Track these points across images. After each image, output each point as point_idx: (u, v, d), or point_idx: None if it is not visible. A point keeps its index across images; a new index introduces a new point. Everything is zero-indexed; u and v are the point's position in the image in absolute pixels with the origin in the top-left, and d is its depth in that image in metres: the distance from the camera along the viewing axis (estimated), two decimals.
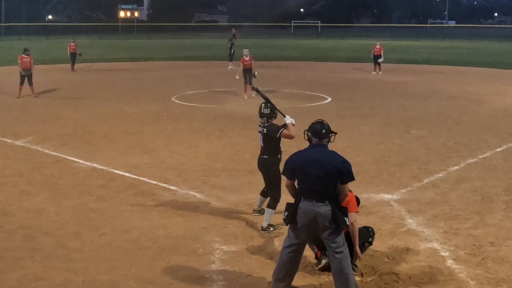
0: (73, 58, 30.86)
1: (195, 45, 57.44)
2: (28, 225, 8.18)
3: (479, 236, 7.82)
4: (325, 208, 5.80)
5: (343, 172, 5.81)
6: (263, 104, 7.99)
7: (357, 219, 6.39)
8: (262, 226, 8.04)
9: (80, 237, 7.72)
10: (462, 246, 7.45)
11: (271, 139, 7.92)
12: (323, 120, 6.13)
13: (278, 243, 7.52)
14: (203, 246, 7.45)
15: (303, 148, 6.18)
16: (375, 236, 7.00)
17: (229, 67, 31.57)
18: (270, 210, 7.97)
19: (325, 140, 6.05)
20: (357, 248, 6.37)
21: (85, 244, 7.51)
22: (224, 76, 28.92)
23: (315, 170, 5.81)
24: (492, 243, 7.57)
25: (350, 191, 6.24)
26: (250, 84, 19.47)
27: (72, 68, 30.88)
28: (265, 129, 7.94)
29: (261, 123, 8.04)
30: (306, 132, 6.15)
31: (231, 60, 32.16)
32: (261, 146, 8.08)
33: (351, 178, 5.87)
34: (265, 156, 8.05)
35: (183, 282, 6.48)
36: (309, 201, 5.85)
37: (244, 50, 21.97)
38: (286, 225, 6.10)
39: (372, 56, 30.94)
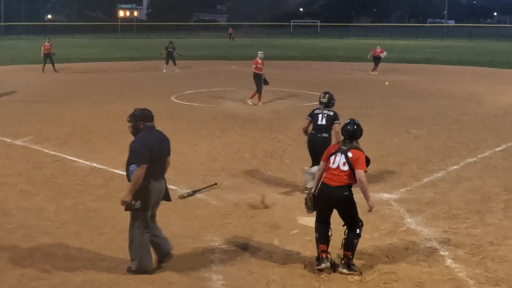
0: (47, 58, 29.75)
1: (194, 45, 57.44)
2: (27, 225, 8.17)
3: (478, 236, 7.82)
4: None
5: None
6: (322, 94, 9.82)
7: (364, 176, 6.58)
8: (306, 187, 9.20)
9: (79, 237, 7.72)
10: (461, 246, 7.45)
11: (331, 122, 9.49)
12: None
13: (278, 243, 7.52)
14: (202, 245, 7.45)
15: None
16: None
17: (164, 71, 30.29)
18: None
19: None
20: (370, 202, 6.66)
21: (85, 243, 7.50)
22: (224, 76, 28.94)
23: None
24: (492, 243, 7.57)
25: (362, 150, 6.75)
26: (260, 92, 19.05)
27: (43, 70, 29.72)
28: (331, 112, 9.60)
29: (319, 108, 9.67)
30: None
31: (167, 63, 30.74)
32: (321, 125, 9.57)
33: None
34: (324, 135, 9.55)
35: (182, 281, 6.47)
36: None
37: (259, 52, 19.50)
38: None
39: (371, 57, 30.86)
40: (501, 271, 6.72)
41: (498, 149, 13.04)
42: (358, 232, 6.66)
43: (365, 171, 6.64)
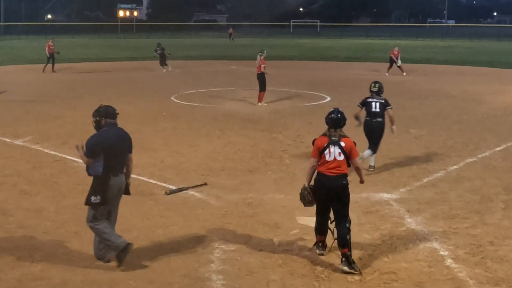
0: (52, 58, 29.76)
1: (194, 45, 57.46)
2: (27, 225, 8.17)
3: (478, 236, 7.82)
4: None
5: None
6: (372, 84, 11.08)
7: (360, 162, 7.19)
8: (370, 165, 10.91)
9: (79, 237, 7.72)
10: (461, 246, 7.45)
11: (384, 108, 10.76)
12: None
13: (278, 243, 7.52)
14: (202, 245, 7.45)
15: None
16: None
17: (164, 71, 30.45)
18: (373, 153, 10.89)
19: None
20: (362, 178, 7.27)
21: (85, 243, 7.49)
22: (224, 76, 28.94)
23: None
24: (491, 243, 7.57)
25: (348, 137, 6.99)
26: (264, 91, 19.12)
27: (44, 70, 29.63)
28: (382, 99, 10.83)
29: (372, 96, 10.93)
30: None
31: (162, 64, 30.82)
32: (375, 112, 10.82)
33: None
34: (379, 119, 10.87)
35: (182, 281, 6.47)
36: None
37: (265, 51, 19.43)
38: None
39: (393, 59, 29.73)
40: (501, 271, 6.72)
41: (498, 149, 13.04)
42: (348, 226, 6.78)
43: (358, 154, 7.10)
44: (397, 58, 29.42)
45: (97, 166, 6.66)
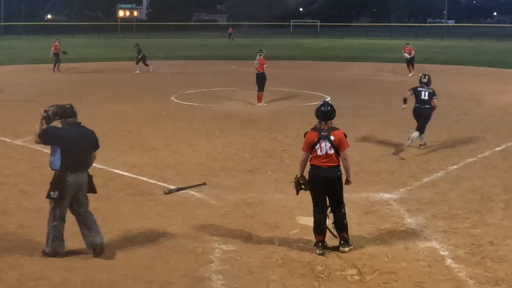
0: (57, 58, 29.82)
1: (194, 44, 57.46)
2: (27, 225, 8.18)
3: (478, 235, 7.82)
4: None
5: None
6: (422, 75, 12.75)
7: (348, 155, 7.22)
8: (420, 143, 12.75)
9: (79, 237, 7.69)
10: (461, 245, 7.45)
11: (431, 97, 12.42)
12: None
13: (278, 243, 7.52)
14: (202, 245, 7.45)
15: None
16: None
17: (136, 71, 29.66)
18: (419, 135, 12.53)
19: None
20: (350, 178, 7.36)
21: (85, 243, 7.49)
22: (224, 76, 28.94)
23: None
24: (491, 242, 7.57)
25: (338, 128, 7.16)
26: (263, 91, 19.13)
27: (54, 69, 29.78)
28: (430, 89, 12.48)
29: (421, 86, 12.52)
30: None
31: (137, 63, 30.08)
32: (424, 100, 12.43)
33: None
34: (427, 106, 12.49)
35: (182, 281, 6.47)
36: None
37: (260, 52, 19.26)
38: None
39: (407, 58, 29.33)
40: (501, 271, 6.72)
41: (498, 149, 13.04)
42: (343, 211, 7.22)
43: (348, 146, 7.22)
44: (409, 54, 28.80)
45: (55, 160, 6.89)
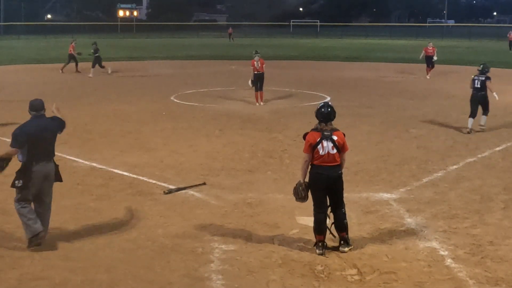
0: (72, 58, 29.78)
1: (194, 44, 57.45)
2: None
3: (478, 235, 7.82)
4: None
5: None
6: (482, 65, 14.59)
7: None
8: (480, 124, 14.67)
9: (79, 236, 7.72)
10: (461, 245, 7.45)
11: (484, 83, 14.27)
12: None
13: (278, 243, 7.53)
14: (202, 245, 7.45)
15: None
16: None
17: (90, 75, 27.92)
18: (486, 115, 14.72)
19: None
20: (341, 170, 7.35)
21: (84, 243, 7.50)
22: (224, 76, 28.93)
23: None
24: (491, 242, 7.57)
25: (339, 130, 7.18)
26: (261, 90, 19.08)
27: (77, 69, 29.64)
28: (483, 77, 14.27)
29: (477, 75, 14.46)
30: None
31: (93, 66, 28.17)
32: (478, 87, 14.40)
33: None
34: (482, 93, 14.39)
35: (182, 281, 6.48)
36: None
37: (255, 53, 19.34)
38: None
39: (423, 58, 28.76)
40: (501, 271, 6.72)
41: (497, 148, 13.04)
42: (343, 211, 7.25)
43: (348, 149, 7.32)
44: (431, 55, 27.97)
45: (22, 152, 7.26)
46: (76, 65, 29.84)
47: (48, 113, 7.67)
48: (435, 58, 28.14)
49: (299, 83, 25.47)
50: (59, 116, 7.89)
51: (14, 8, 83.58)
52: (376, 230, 7.97)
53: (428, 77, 27.87)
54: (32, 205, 7.44)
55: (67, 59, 30.09)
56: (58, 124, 7.71)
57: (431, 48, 28.19)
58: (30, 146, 7.20)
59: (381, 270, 6.71)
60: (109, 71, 28.87)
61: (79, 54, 30.00)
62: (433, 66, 28.31)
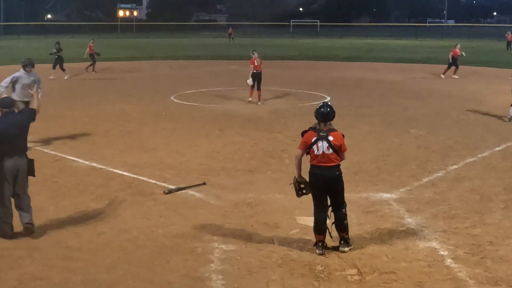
0: (92, 59, 29.86)
1: (194, 44, 57.45)
2: None
3: (478, 235, 7.82)
4: None
5: None
6: None
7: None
8: (511, 115, 16.03)
9: (79, 236, 7.72)
10: (461, 245, 7.45)
11: None
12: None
13: (278, 243, 7.52)
14: (202, 245, 7.45)
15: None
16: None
17: (66, 77, 26.58)
18: None
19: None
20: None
21: (84, 243, 7.50)
22: (224, 76, 28.94)
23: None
24: (491, 242, 7.57)
25: (337, 130, 7.15)
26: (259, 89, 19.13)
27: (88, 69, 29.66)
28: None
29: None
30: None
31: (54, 67, 26.68)
32: None
33: None
34: None
35: (182, 281, 6.48)
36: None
37: (253, 52, 19.70)
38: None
39: (450, 59, 28.67)
40: (501, 271, 6.72)
41: (498, 149, 13.04)
42: (344, 211, 7.21)
43: (346, 150, 7.26)
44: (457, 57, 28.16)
45: None
46: (91, 65, 29.90)
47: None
48: (463, 54, 28.78)
49: (299, 83, 25.47)
50: (36, 100, 8.56)
51: (14, 8, 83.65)
52: (376, 230, 7.97)
53: (456, 76, 28.06)
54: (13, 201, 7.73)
55: (90, 59, 30.04)
56: (28, 117, 8.02)
57: (458, 49, 28.52)
58: (1, 142, 7.44)
59: (381, 270, 6.71)
60: (66, 77, 26.66)
61: (97, 54, 30.02)
62: (450, 67, 28.65)
